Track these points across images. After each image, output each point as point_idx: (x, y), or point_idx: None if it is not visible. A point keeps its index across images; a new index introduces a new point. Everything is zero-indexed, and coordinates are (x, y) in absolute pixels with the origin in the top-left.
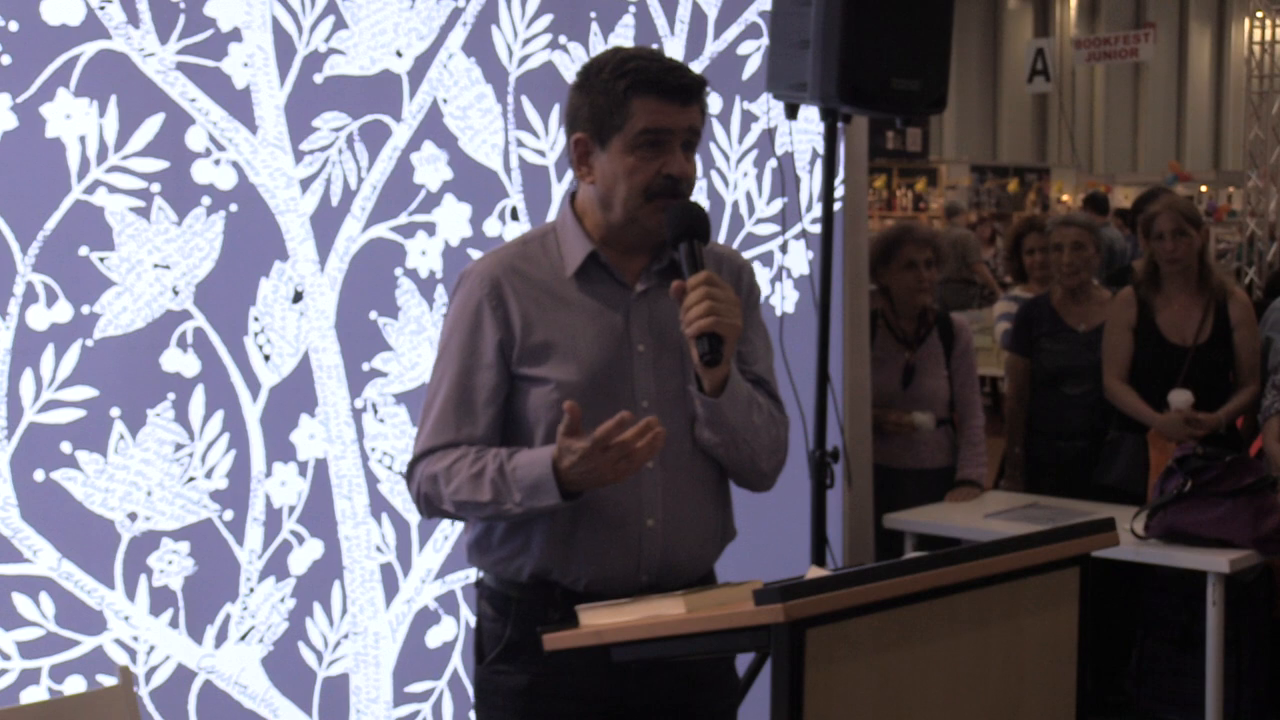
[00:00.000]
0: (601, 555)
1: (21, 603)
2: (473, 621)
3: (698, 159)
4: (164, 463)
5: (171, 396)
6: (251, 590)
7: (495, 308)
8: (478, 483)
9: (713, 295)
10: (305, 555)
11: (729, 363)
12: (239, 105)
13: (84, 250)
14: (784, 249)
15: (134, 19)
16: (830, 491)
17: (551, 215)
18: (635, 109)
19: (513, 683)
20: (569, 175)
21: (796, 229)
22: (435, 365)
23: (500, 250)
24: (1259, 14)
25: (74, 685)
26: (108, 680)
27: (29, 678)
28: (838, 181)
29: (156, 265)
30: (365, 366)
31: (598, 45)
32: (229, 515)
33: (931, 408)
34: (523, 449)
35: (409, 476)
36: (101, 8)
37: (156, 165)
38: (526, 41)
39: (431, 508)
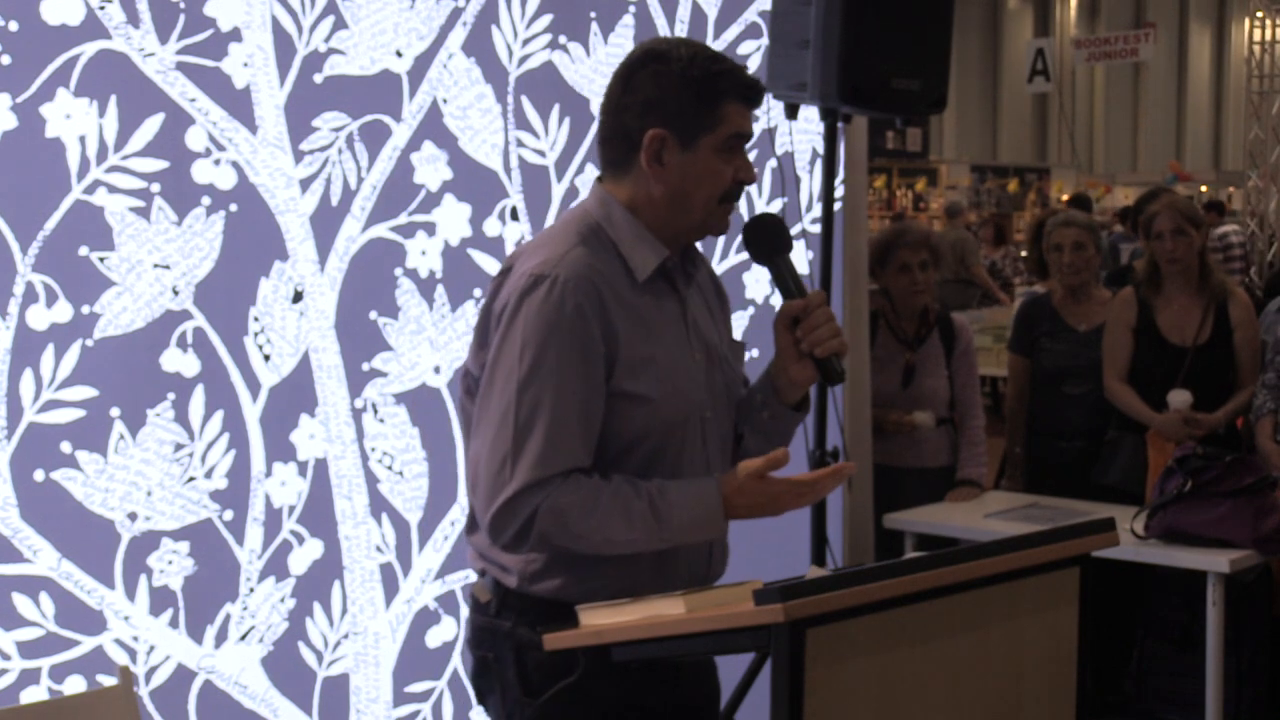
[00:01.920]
0: (687, 566)
1: (21, 603)
2: None
3: None
4: (164, 463)
5: (171, 396)
6: (251, 590)
7: (598, 316)
8: (627, 518)
9: (832, 316)
10: (305, 555)
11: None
12: (239, 105)
13: (84, 250)
14: None
15: (134, 19)
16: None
17: (552, 215)
18: (729, 113)
19: (586, 716)
20: (569, 175)
21: (796, 229)
22: (523, 379)
23: (572, 250)
24: (1259, 14)
25: (74, 685)
26: (108, 680)
27: (29, 678)
28: (838, 181)
29: (156, 265)
30: (365, 366)
31: (598, 45)
32: (229, 515)
33: (932, 407)
34: (666, 482)
35: (510, 508)
36: (101, 8)
37: (156, 165)
38: (526, 41)
39: (543, 542)
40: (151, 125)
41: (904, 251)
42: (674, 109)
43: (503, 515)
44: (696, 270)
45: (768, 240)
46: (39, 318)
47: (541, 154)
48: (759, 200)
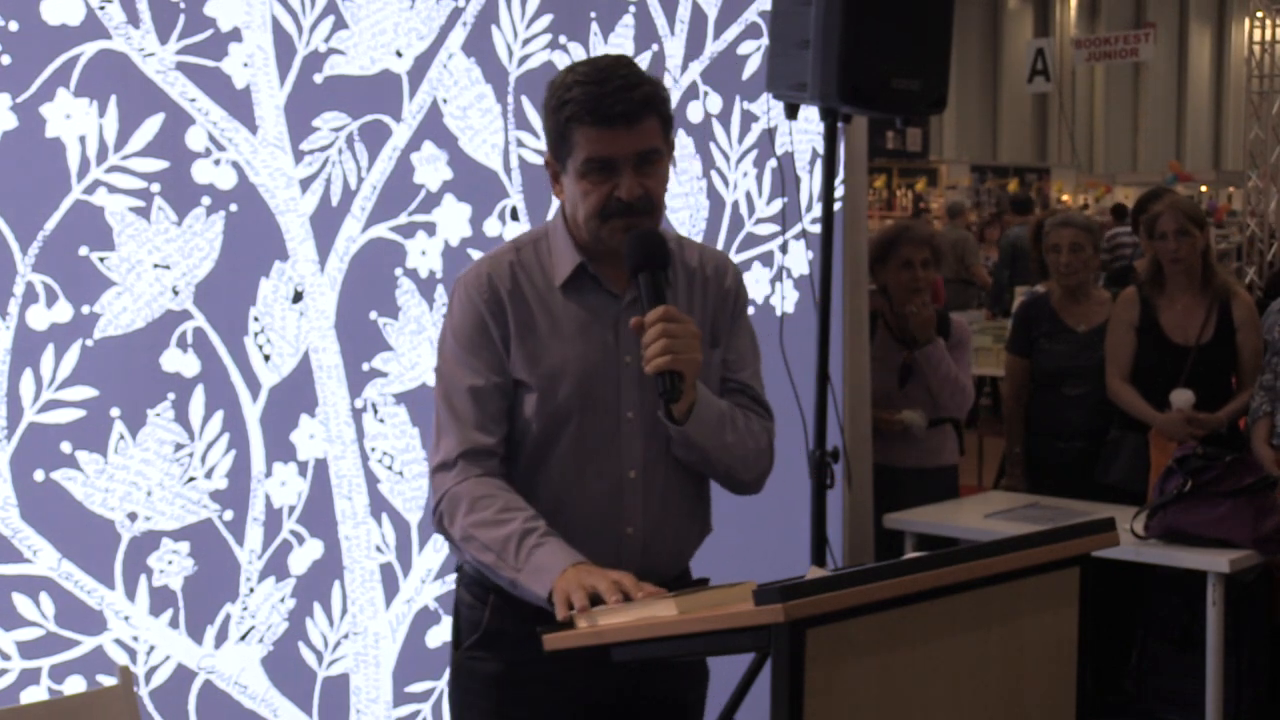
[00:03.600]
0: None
1: (21, 603)
2: None
3: (697, 159)
4: (164, 463)
5: (171, 396)
6: (251, 590)
7: (494, 314)
8: (495, 532)
9: (669, 332)
10: (305, 555)
11: (692, 391)
12: (239, 105)
13: (84, 250)
14: (784, 249)
15: (134, 19)
16: (830, 491)
17: (552, 215)
18: (577, 139)
19: (487, 669)
20: None
21: (796, 229)
22: (441, 369)
23: (496, 254)
24: (1259, 14)
25: (74, 685)
26: (108, 680)
27: (29, 678)
28: (838, 181)
29: (156, 265)
30: (365, 366)
31: (598, 45)
32: (229, 515)
33: (927, 407)
34: (551, 534)
35: (432, 479)
36: (101, 8)
37: (156, 165)
38: (526, 41)
39: (441, 526)
40: (151, 125)
41: (906, 248)
42: (548, 137)
43: (431, 481)
44: (672, 279)
45: (633, 255)
46: (39, 318)
47: (541, 154)
48: (759, 201)
